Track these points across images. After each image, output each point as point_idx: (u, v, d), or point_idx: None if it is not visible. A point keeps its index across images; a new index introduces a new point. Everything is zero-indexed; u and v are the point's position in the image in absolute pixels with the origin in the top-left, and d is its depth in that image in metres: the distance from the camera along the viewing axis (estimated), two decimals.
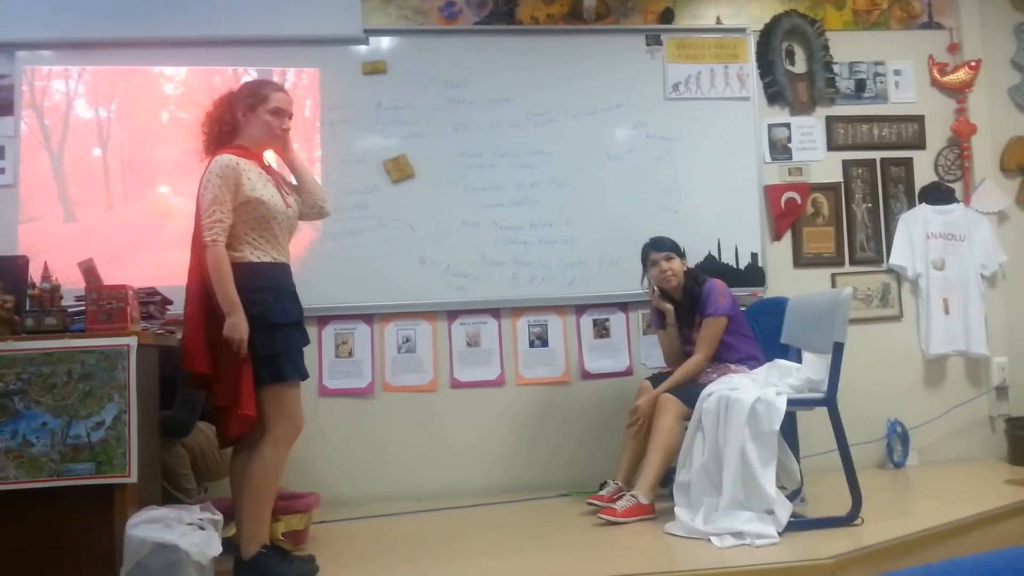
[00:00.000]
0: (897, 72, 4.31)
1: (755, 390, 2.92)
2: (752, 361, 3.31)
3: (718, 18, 4.19)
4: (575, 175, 3.98)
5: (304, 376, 2.66)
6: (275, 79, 3.65)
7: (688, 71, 4.10)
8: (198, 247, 2.56)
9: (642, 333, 4.00)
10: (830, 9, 4.29)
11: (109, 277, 2.89)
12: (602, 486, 3.30)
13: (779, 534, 2.70)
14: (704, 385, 3.13)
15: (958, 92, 4.30)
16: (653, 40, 4.09)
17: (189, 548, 2.31)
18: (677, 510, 2.92)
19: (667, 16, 4.13)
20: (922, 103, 4.31)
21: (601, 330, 3.99)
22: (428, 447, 3.82)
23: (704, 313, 3.33)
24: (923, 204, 4.25)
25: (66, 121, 3.74)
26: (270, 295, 2.57)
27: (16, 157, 3.68)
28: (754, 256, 4.06)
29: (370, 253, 3.83)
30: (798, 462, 3.02)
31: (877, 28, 4.33)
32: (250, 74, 3.74)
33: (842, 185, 4.22)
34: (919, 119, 4.30)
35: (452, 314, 3.91)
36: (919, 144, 4.29)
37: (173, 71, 3.81)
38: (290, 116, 2.74)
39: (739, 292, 3.64)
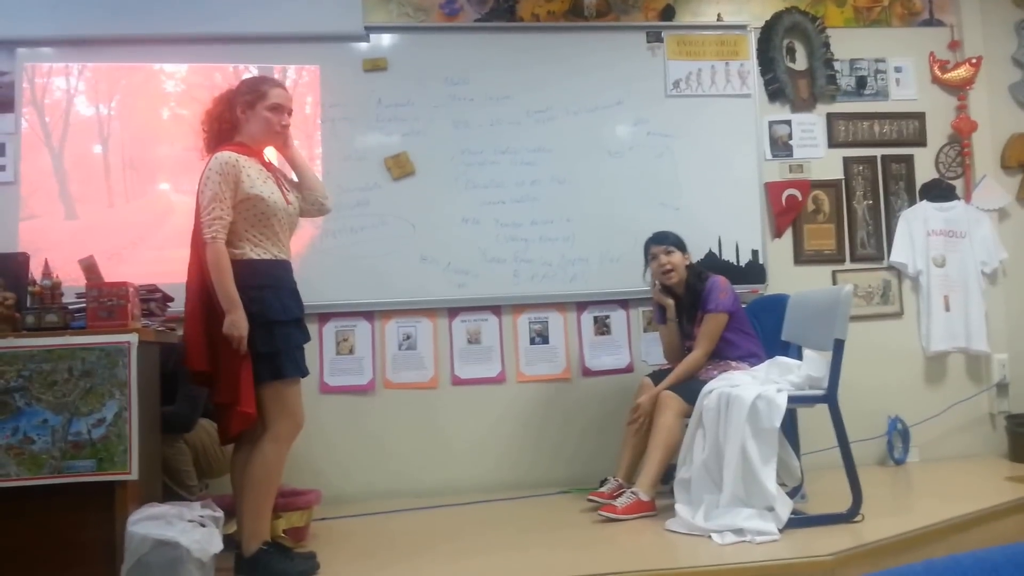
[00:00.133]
0: (898, 69, 4.30)
1: (756, 387, 2.92)
2: (753, 358, 3.31)
3: (719, 15, 4.19)
4: (576, 172, 3.98)
5: (304, 373, 2.66)
6: (275, 76, 3.67)
7: (689, 68, 4.09)
8: (198, 244, 2.56)
9: (643, 330, 4.00)
10: (831, 6, 4.29)
11: (110, 274, 2.89)
12: (603, 483, 3.31)
13: (779, 531, 2.70)
14: (705, 382, 3.13)
15: (959, 89, 4.30)
16: (654, 37, 4.09)
17: (190, 545, 2.31)
18: (678, 507, 2.93)
19: (668, 13, 4.13)
20: (923, 100, 4.30)
21: (602, 327, 3.99)
22: (429, 444, 3.82)
23: (706, 309, 3.33)
24: (924, 201, 4.24)
25: (67, 118, 3.74)
26: (270, 292, 2.57)
27: (17, 154, 3.68)
28: (755, 253, 4.06)
29: (371, 250, 3.83)
30: (799, 459, 3.02)
31: (878, 25, 4.33)
32: (251, 71, 3.74)
33: (843, 182, 4.22)
34: (920, 116, 4.29)
35: (453, 311, 3.91)
36: (920, 141, 4.29)
37: (174, 68, 3.81)
38: (289, 112, 2.74)
39: (740, 289, 3.63)
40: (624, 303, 4.00)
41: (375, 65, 3.91)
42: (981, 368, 4.22)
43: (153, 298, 3.03)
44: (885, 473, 3.87)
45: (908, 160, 4.28)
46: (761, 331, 3.48)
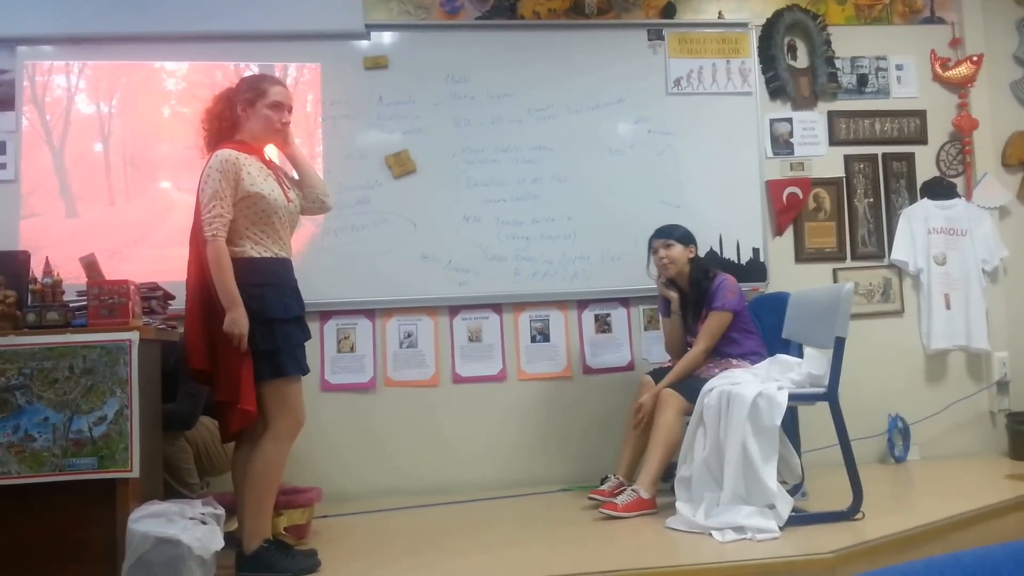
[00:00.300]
0: (899, 67, 4.30)
1: (756, 385, 2.92)
2: (755, 356, 3.31)
3: (720, 13, 4.18)
4: (577, 170, 3.97)
5: (305, 371, 2.66)
6: (276, 74, 3.67)
7: (690, 66, 4.09)
8: (197, 242, 2.56)
9: (643, 328, 4.00)
10: (832, 4, 4.29)
11: (111, 272, 2.90)
12: (603, 481, 3.31)
13: (780, 528, 2.71)
14: (705, 380, 3.13)
15: (960, 87, 4.30)
16: (655, 35, 4.09)
17: (191, 543, 2.31)
18: (678, 505, 2.93)
19: (669, 11, 4.13)
20: (924, 98, 4.30)
21: (603, 325, 3.99)
22: (430, 442, 3.83)
23: (711, 306, 3.33)
24: (925, 199, 4.24)
25: (67, 116, 3.74)
26: (270, 290, 2.57)
27: (17, 152, 3.68)
28: (756, 251, 4.06)
29: (372, 248, 3.83)
30: (799, 457, 3.02)
31: (879, 23, 4.33)
32: (252, 69, 3.74)
33: (844, 180, 4.22)
34: (921, 114, 4.29)
35: (454, 309, 3.91)
36: (921, 139, 4.29)
37: (174, 66, 3.81)
38: (289, 110, 2.74)
39: (741, 287, 3.63)
40: (625, 301, 4.00)
41: (376, 63, 3.91)
42: (982, 366, 4.22)
43: (154, 296, 3.03)
44: (886, 471, 3.87)
45: (909, 158, 4.28)
46: (762, 329, 3.48)
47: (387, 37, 3.94)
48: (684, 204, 3.99)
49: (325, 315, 3.79)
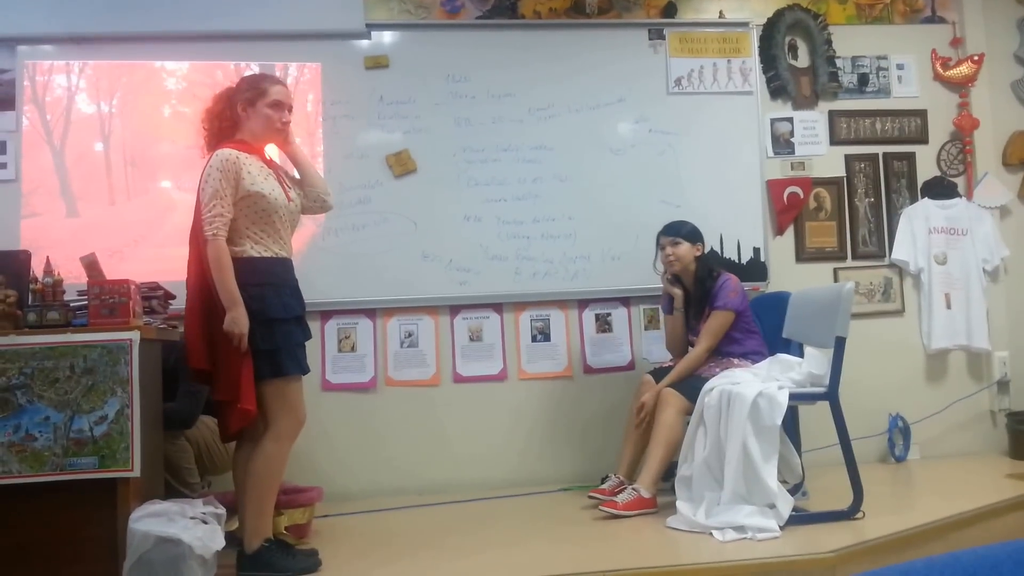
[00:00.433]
0: (900, 66, 4.30)
1: (757, 384, 2.92)
2: (757, 356, 3.31)
3: (721, 12, 4.18)
4: (577, 170, 3.97)
5: (305, 371, 2.66)
6: (277, 73, 3.67)
7: (691, 65, 4.09)
8: (198, 242, 2.56)
9: (644, 328, 4.00)
10: (833, 3, 4.29)
11: (111, 272, 2.90)
12: (604, 480, 3.31)
13: (780, 528, 2.71)
14: (706, 379, 3.13)
15: (961, 86, 4.29)
16: (656, 34, 4.09)
17: (192, 542, 2.31)
18: (679, 504, 2.93)
19: (670, 10, 4.13)
20: (925, 97, 4.30)
21: (603, 324, 3.99)
22: (430, 441, 3.83)
23: (713, 306, 3.33)
24: (925, 199, 4.24)
25: (68, 116, 3.74)
26: (270, 290, 2.57)
27: (18, 152, 3.68)
28: (756, 251, 4.06)
29: (372, 248, 3.83)
30: (799, 456, 3.02)
31: (880, 22, 4.33)
32: (252, 69, 3.74)
33: (844, 180, 4.22)
34: (922, 113, 4.29)
35: (454, 309, 3.91)
36: (921, 139, 4.29)
37: (175, 66, 3.81)
38: (290, 109, 2.74)
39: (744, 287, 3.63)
40: (625, 301, 4.00)
41: (376, 63, 3.91)
42: (982, 365, 4.22)
43: (155, 295, 3.04)
44: (886, 470, 3.87)
45: (910, 157, 4.27)
46: (762, 328, 3.48)
47: (388, 37, 3.94)
48: (685, 204, 3.98)
49: (326, 315, 3.79)
